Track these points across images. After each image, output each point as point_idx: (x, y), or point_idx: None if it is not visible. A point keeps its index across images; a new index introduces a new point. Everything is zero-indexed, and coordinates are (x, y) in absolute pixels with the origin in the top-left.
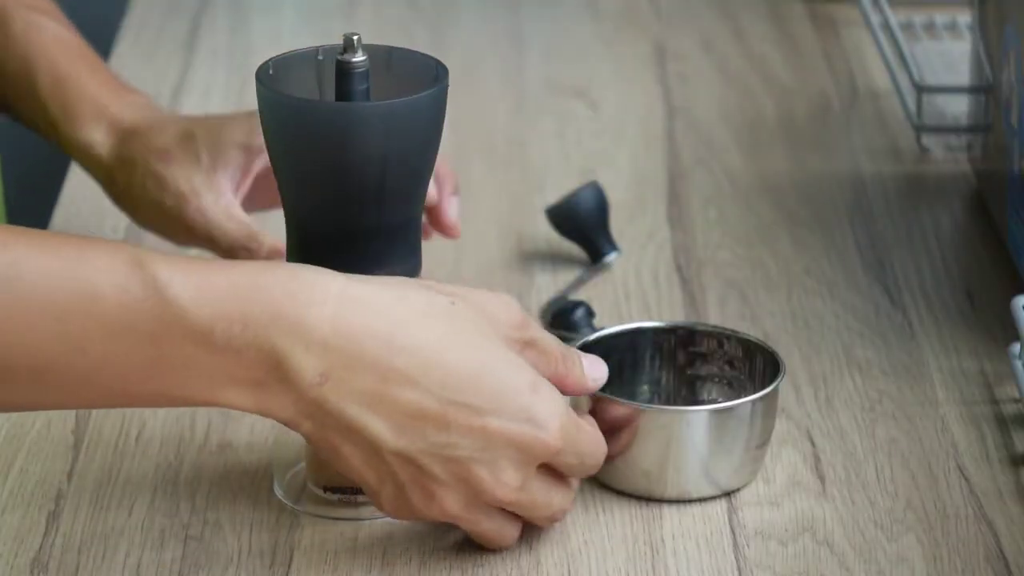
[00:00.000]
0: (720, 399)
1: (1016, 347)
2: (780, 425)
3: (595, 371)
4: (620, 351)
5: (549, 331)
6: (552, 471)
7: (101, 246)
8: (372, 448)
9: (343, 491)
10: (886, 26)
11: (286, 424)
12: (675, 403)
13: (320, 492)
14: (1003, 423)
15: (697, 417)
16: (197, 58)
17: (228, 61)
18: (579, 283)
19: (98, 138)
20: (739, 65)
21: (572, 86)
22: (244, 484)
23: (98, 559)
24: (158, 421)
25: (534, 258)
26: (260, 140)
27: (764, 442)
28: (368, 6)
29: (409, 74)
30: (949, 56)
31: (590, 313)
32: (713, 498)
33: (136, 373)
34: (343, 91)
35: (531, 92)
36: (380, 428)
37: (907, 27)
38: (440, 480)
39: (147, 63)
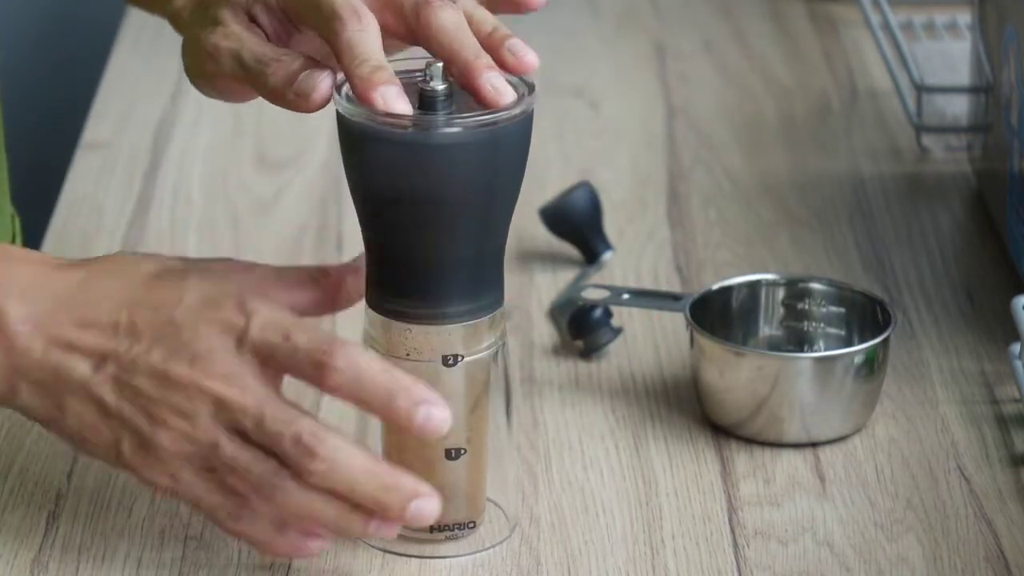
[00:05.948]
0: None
1: (1016, 347)
2: None
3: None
4: (740, 300)
5: (568, 333)
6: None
7: None
8: (86, 392)
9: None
10: (886, 26)
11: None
12: (784, 351)
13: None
14: (1003, 423)
15: (799, 364)
16: None
17: None
18: (582, 284)
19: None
20: (739, 65)
21: (572, 86)
22: None
23: (98, 559)
24: None
25: (533, 258)
26: None
27: (868, 397)
28: None
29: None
30: (949, 56)
31: (608, 314)
32: (805, 446)
33: None
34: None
35: None
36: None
37: (907, 27)
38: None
39: (147, 64)
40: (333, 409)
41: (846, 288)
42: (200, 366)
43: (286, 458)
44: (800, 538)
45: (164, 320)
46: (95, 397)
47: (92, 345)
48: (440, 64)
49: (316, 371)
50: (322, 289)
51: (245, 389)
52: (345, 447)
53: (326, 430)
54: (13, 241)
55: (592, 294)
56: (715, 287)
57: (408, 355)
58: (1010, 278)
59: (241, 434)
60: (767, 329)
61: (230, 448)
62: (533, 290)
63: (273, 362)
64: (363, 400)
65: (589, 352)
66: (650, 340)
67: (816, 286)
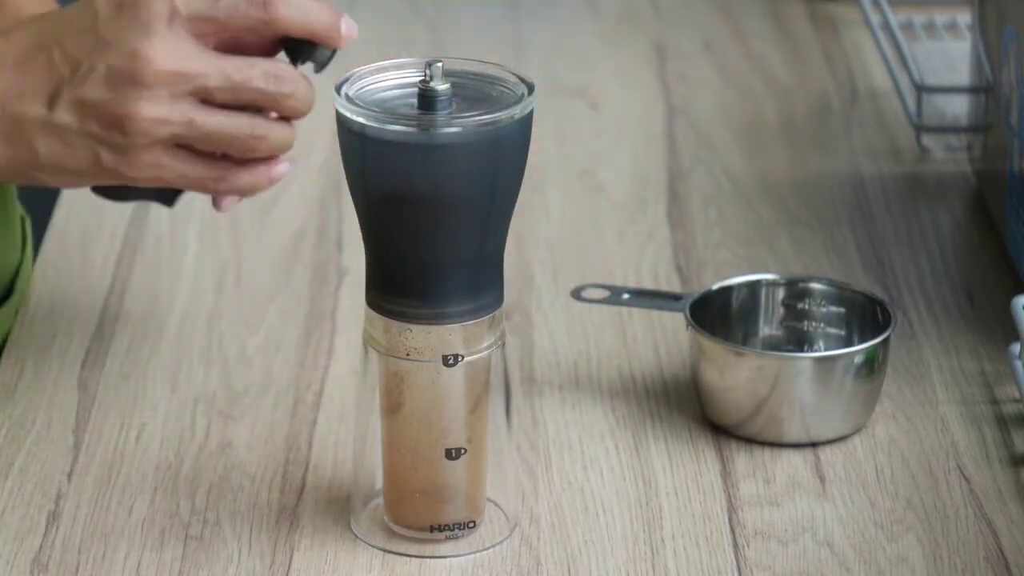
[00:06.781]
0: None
1: (1016, 347)
2: None
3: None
4: (740, 300)
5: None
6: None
7: None
8: (50, 127)
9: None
10: (886, 26)
11: None
12: (784, 351)
13: (398, 529)
14: (1003, 423)
15: (799, 364)
16: None
17: None
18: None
19: None
20: (739, 65)
21: (572, 86)
22: (244, 484)
23: (98, 559)
24: (158, 421)
25: (533, 258)
26: None
27: (868, 397)
28: (368, 6)
29: (488, 94)
30: (949, 56)
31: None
32: (805, 446)
33: None
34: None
35: None
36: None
37: (907, 27)
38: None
39: None
40: (333, 408)
41: (846, 288)
42: (144, 57)
43: (260, 96)
44: (800, 538)
45: (91, 38)
46: (61, 127)
47: (38, 85)
48: (440, 64)
49: (259, 8)
50: None
51: (193, 58)
52: (296, 72)
53: (279, 63)
54: (23, 243)
55: (592, 294)
56: (715, 287)
57: (408, 355)
58: (1010, 278)
59: (207, 102)
60: (767, 329)
61: (205, 118)
62: (533, 290)
63: (210, 25)
64: (308, 20)
65: (320, 68)
66: (650, 340)
67: (816, 286)
